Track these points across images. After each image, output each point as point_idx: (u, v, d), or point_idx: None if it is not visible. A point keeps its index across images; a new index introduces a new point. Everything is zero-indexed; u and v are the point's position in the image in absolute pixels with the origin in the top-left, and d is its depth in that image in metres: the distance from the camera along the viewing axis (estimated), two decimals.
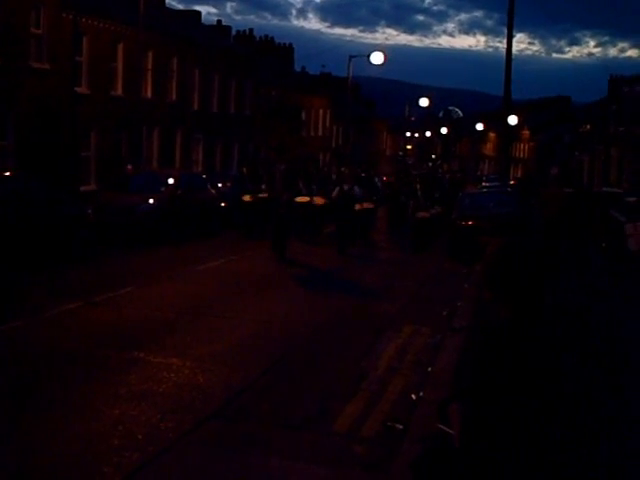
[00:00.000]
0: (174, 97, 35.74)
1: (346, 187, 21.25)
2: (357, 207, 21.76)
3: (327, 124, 61.09)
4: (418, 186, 22.20)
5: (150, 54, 32.72)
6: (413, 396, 7.53)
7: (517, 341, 3.33)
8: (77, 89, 25.98)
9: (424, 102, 78.97)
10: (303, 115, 54.45)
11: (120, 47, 30.62)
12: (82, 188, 25.68)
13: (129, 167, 26.33)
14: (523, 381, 3.26)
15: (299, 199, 22.25)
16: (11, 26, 23.59)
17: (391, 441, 6.58)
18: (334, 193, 21.63)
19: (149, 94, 33.25)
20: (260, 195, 22.28)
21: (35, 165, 23.39)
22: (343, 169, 32.48)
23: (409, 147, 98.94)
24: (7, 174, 19.27)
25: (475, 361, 3.46)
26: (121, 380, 8.28)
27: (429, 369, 8.55)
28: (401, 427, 6.73)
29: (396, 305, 13.32)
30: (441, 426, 3.53)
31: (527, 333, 3.35)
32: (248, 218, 22.80)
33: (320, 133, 59.47)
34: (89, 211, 18.99)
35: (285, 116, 19.79)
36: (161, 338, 10.27)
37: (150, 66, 33.10)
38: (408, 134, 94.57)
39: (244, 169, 25.29)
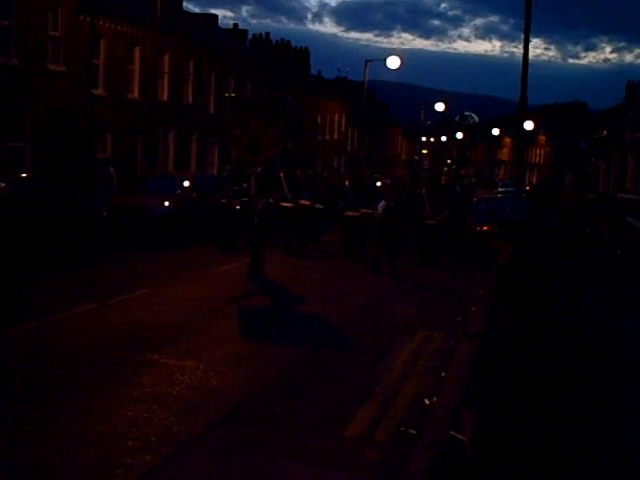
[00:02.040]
0: (190, 100, 35.84)
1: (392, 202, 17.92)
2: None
3: (342, 128, 61.11)
4: (424, 191, 20.26)
5: (167, 57, 32.83)
6: (426, 401, 7.52)
7: (526, 346, 3.31)
8: (94, 91, 26.07)
9: (440, 107, 78.95)
10: (319, 119, 54.56)
11: (137, 50, 30.75)
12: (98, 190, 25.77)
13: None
14: (532, 387, 3.24)
15: (284, 204, 20.82)
16: (29, 28, 23.72)
17: (404, 446, 6.57)
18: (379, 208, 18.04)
19: (165, 97, 33.36)
20: (243, 200, 19.59)
21: (51, 167, 23.51)
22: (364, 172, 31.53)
23: (424, 151, 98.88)
24: (24, 175, 19.40)
25: (485, 367, 3.45)
26: (134, 382, 8.30)
27: (443, 374, 8.53)
28: (414, 432, 6.71)
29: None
30: (453, 432, 3.52)
31: (537, 338, 3.34)
32: (223, 227, 20.39)
33: (335, 137, 59.49)
34: (104, 213, 19.08)
35: (259, 108, 16.05)
36: (175, 340, 10.28)
37: (166, 69, 33.22)
38: (423, 139, 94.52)
39: (225, 170, 23.63)
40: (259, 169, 16.43)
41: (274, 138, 15.66)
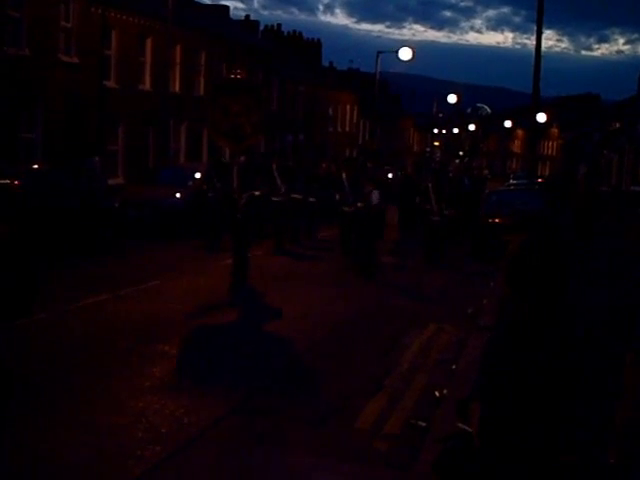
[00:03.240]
0: (202, 92, 35.81)
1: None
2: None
3: (354, 120, 61.01)
4: (430, 185, 18.86)
5: (178, 49, 32.80)
6: (437, 393, 7.51)
7: (532, 339, 3.30)
8: (105, 83, 26.11)
9: (452, 99, 78.61)
10: (330, 111, 54.51)
11: (148, 41, 30.73)
12: (109, 181, 25.82)
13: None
14: (537, 380, 3.23)
15: (274, 198, 19.45)
16: (40, 19, 23.76)
17: (414, 438, 6.57)
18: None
19: (177, 89, 33.36)
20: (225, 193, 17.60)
21: (63, 158, 23.56)
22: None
23: (437, 144, 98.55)
24: (35, 167, 19.43)
25: (491, 359, 3.44)
26: (145, 373, 8.32)
27: (453, 367, 8.52)
28: (424, 424, 6.71)
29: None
30: (461, 425, 3.52)
31: (543, 331, 3.33)
32: (209, 222, 18.94)
33: (347, 129, 59.41)
34: (116, 204, 19.11)
35: (240, 91, 14.47)
36: (186, 332, 10.31)
37: (178, 60, 33.20)
38: (435, 131, 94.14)
39: (213, 161, 21.76)
40: (242, 159, 15.24)
41: (256, 125, 14.40)
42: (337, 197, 19.54)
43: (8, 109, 22.62)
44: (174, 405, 7.33)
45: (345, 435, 6.78)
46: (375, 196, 16.76)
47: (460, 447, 3.51)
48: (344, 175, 18.31)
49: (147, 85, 31.05)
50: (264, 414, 7.27)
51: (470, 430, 3.41)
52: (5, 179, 15.64)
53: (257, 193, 17.59)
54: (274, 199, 19.55)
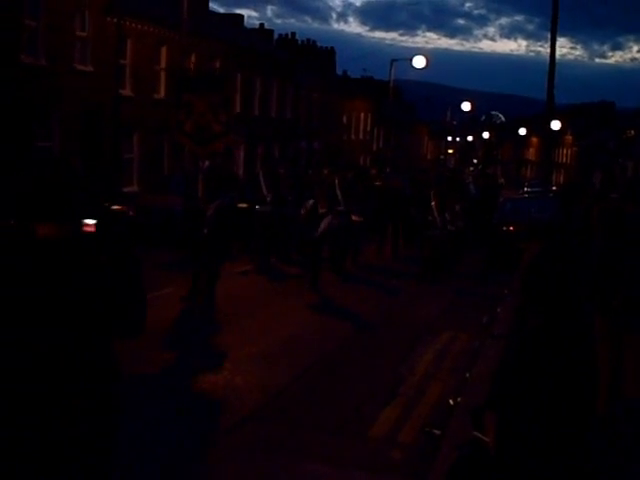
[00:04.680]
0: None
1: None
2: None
3: (368, 128, 61.08)
4: (432, 193, 16.85)
5: (193, 57, 32.94)
6: (451, 401, 7.50)
7: (547, 348, 3.30)
8: (121, 91, 26.27)
9: (466, 106, 78.59)
10: (343, 118, 54.58)
11: (163, 50, 30.89)
12: (124, 189, 25.94)
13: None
14: (551, 390, 3.23)
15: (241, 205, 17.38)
16: (56, 29, 23.92)
17: (429, 447, 6.56)
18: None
19: None
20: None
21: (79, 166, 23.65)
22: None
23: (450, 151, 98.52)
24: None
25: (506, 368, 3.44)
26: (160, 379, 8.35)
27: (467, 375, 8.51)
28: (439, 433, 6.70)
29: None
30: (476, 434, 3.52)
31: (557, 341, 3.32)
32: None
33: (361, 137, 59.48)
34: (131, 212, 19.18)
35: (204, 87, 12.98)
36: (200, 339, 10.34)
37: (192, 69, 33.33)
38: (450, 138, 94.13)
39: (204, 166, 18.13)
40: (207, 163, 13.38)
41: (225, 124, 12.88)
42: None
43: (24, 118, 22.77)
44: (188, 411, 7.35)
45: (360, 443, 6.78)
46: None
47: (475, 456, 3.52)
48: (336, 181, 16.14)
49: (162, 93, 31.19)
50: (279, 421, 7.29)
51: (485, 439, 3.41)
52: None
53: (227, 204, 14.77)
54: (258, 209, 17.37)
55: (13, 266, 2.99)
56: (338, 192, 15.63)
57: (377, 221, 20.28)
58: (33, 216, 3.05)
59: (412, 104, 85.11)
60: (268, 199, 17.22)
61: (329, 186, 16.17)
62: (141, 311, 3.29)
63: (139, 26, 28.86)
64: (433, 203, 16.46)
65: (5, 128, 21.66)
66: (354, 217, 15.87)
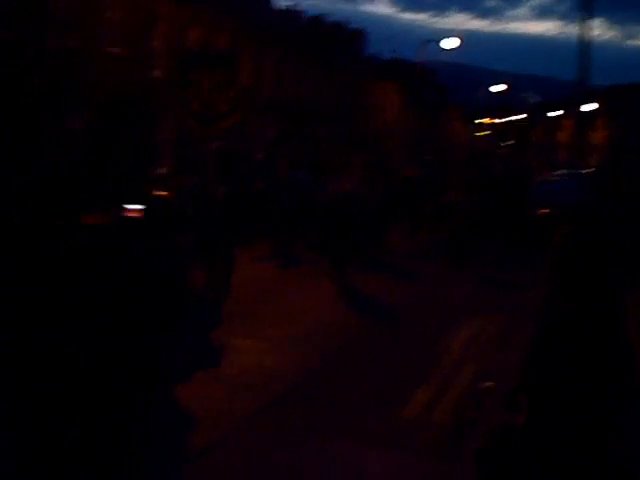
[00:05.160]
0: (247, 82, 35.89)
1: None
2: None
3: (398, 110, 60.72)
4: (456, 176, 16.36)
5: (222, 38, 32.91)
6: (485, 384, 7.43)
7: (574, 333, 3.24)
8: (152, 74, 26.29)
9: (498, 88, 77.87)
10: (373, 100, 54.29)
11: (193, 32, 30.88)
12: (156, 172, 26.01)
13: (218, 144, 24.38)
14: (579, 374, 3.17)
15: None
16: (87, 10, 23.97)
17: (461, 428, 6.51)
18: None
19: None
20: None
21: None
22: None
23: (482, 134, 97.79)
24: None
25: (536, 352, 3.39)
26: (194, 361, 8.37)
27: (502, 357, 8.45)
28: (471, 414, 6.65)
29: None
30: (507, 416, 3.49)
31: (585, 326, 3.26)
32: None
33: (390, 119, 59.16)
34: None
35: (211, 64, 12.32)
36: (236, 321, 10.35)
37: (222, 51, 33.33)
38: (481, 120, 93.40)
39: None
40: (216, 144, 12.92)
41: (233, 103, 12.30)
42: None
43: (54, 100, 22.89)
44: (222, 392, 7.37)
45: (392, 424, 6.75)
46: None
47: (505, 437, 3.48)
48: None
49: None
50: (310, 402, 7.28)
51: (516, 421, 3.37)
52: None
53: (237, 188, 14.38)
54: (275, 192, 16.89)
55: (62, 256, 2.95)
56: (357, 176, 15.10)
57: (396, 207, 19.70)
58: (77, 206, 3.02)
59: (443, 86, 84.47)
60: (285, 181, 16.79)
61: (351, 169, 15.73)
62: (184, 301, 3.23)
63: (170, 7, 28.83)
64: (457, 187, 16.21)
65: (34, 112, 21.80)
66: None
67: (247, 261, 14.38)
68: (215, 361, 8.42)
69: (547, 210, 18.96)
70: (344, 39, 53.44)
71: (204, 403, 7.03)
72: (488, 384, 7.37)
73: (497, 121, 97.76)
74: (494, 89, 78.73)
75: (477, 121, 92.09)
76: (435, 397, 7.49)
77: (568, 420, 3.16)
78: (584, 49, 26.42)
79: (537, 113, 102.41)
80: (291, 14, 48.36)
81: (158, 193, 16.49)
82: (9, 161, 18.32)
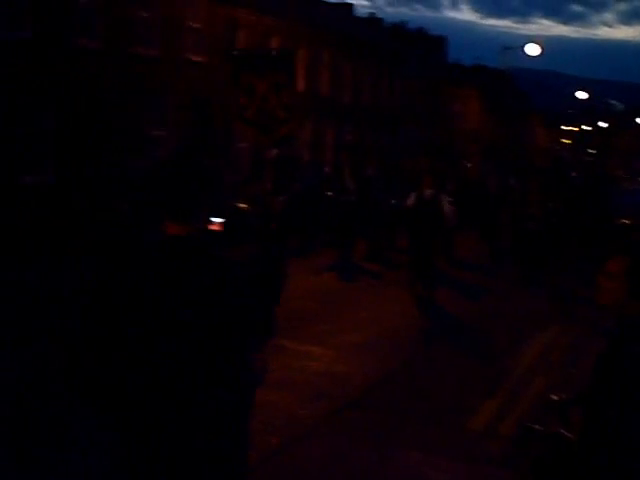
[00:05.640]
0: (325, 89, 36.09)
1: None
2: None
3: (479, 117, 60.16)
4: (532, 184, 15.28)
5: (303, 47, 33.16)
6: (554, 397, 7.33)
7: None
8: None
9: (582, 94, 76.48)
10: (454, 106, 53.95)
11: (273, 40, 31.20)
12: (233, 178, 26.37)
13: (275, 152, 24.46)
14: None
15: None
16: (169, 19, 24.49)
17: (527, 441, 6.43)
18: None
19: (301, 87, 33.73)
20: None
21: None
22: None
23: (565, 141, 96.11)
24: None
25: (599, 363, 3.35)
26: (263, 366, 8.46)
27: (572, 370, 8.32)
28: (538, 427, 6.56)
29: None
30: (561, 427, 3.47)
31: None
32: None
33: (472, 126, 58.65)
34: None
35: (267, 65, 11.15)
36: (304, 327, 10.43)
37: (303, 59, 33.56)
38: (564, 127, 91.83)
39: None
40: (274, 152, 12.15)
41: (290, 108, 11.55)
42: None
43: (137, 107, 23.42)
44: (291, 397, 7.44)
45: (458, 434, 6.73)
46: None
47: (558, 450, 3.45)
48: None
49: None
50: (377, 410, 7.30)
51: (568, 434, 3.35)
52: None
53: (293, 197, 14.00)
54: (342, 199, 16.35)
55: (149, 268, 2.97)
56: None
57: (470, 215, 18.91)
58: (164, 216, 3.03)
59: (525, 92, 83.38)
60: (351, 188, 16.25)
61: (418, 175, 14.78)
62: (273, 311, 3.22)
63: (249, 16, 29.22)
64: (532, 195, 15.17)
65: (116, 117, 22.34)
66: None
67: (313, 270, 14.49)
68: (284, 367, 8.50)
69: (629, 221, 18.55)
70: (425, 46, 53.28)
71: (274, 408, 7.11)
72: (555, 397, 7.28)
73: (581, 128, 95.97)
74: (578, 95, 77.35)
75: (560, 128, 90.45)
76: (503, 409, 7.43)
77: (617, 441, 3.11)
78: None
79: (622, 120, 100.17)
80: (372, 22, 48.46)
81: (239, 205, 16.43)
82: (95, 167, 18.87)
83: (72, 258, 13.85)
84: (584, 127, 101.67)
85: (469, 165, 25.93)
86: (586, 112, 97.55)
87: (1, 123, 19.11)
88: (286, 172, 12.99)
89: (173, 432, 2.90)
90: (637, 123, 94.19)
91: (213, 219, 13.39)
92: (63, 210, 17.78)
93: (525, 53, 47.00)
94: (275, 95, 11.21)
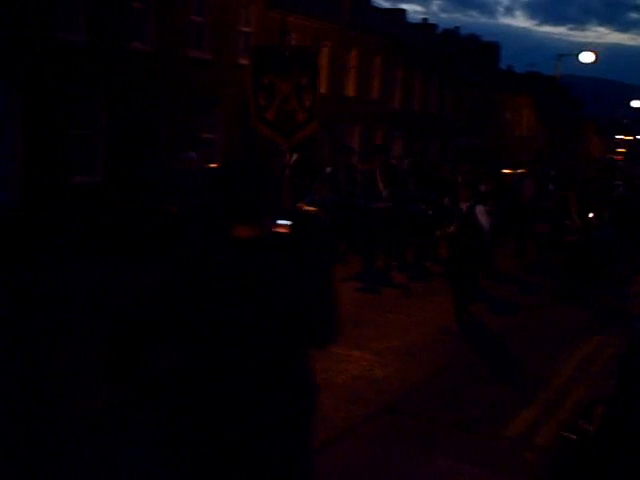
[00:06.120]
0: (376, 95, 36.10)
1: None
2: None
3: (531, 124, 59.66)
4: (571, 194, 14.38)
5: (354, 52, 33.22)
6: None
7: None
8: None
9: (637, 103, 75.39)
10: (506, 114, 53.50)
11: (324, 45, 31.32)
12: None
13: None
14: None
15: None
16: (221, 23, 24.74)
17: (564, 451, 6.38)
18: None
19: (352, 92, 33.78)
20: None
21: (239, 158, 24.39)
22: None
23: (620, 150, 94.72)
24: (213, 165, 20.23)
25: (623, 364, 3.35)
26: None
27: (613, 381, 8.21)
28: (575, 437, 6.50)
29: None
30: (583, 424, 3.47)
31: None
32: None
33: (524, 133, 58.18)
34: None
35: (289, 65, 10.71)
36: (344, 330, 10.42)
37: (354, 64, 33.63)
38: (619, 136, 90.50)
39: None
40: (294, 157, 11.83)
41: (311, 110, 11.01)
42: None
43: (189, 110, 23.70)
44: (328, 399, 7.46)
45: (492, 442, 6.69)
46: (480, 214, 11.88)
47: (579, 443, 3.46)
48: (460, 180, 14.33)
49: (323, 88, 31.60)
50: (414, 415, 7.29)
51: (590, 429, 3.36)
52: None
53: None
54: (374, 206, 15.73)
55: (217, 270, 2.95)
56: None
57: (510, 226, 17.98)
58: (232, 218, 3.02)
59: (579, 100, 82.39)
60: (384, 195, 15.73)
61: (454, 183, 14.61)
62: (335, 317, 3.20)
63: (301, 21, 29.38)
64: (573, 206, 14.23)
65: (167, 119, 22.62)
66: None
67: (350, 275, 14.46)
68: (323, 370, 8.53)
69: None
70: (478, 52, 53.00)
71: None
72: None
73: (636, 138, 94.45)
74: (634, 104, 76.24)
75: (615, 137, 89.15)
76: (540, 419, 7.36)
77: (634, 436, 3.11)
78: None
79: None
80: (425, 27, 48.37)
81: (307, 208, 16.27)
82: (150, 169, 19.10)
83: (122, 258, 14.08)
84: (639, 137, 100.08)
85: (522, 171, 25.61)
86: None
87: (55, 124, 19.49)
88: (307, 178, 12.57)
89: (237, 433, 2.89)
90: None
91: (279, 221, 13.40)
92: (112, 210, 18.06)
93: (580, 61, 46.56)
94: (296, 97, 10.84)
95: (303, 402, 3.11)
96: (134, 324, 2.93)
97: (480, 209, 12.01)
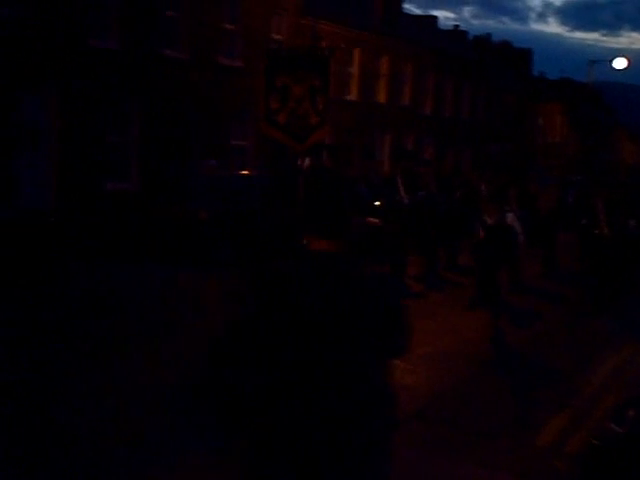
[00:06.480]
0: (407, 102, 36.09)
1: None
2: None
3: (563, 131, 59.29)
4: (597, 200, 13.89)
5: (385, 59, 33.25)
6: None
7: None
8: None
9: None
10: (541, 121, 53.16)
11: (356, 52, 31.37)
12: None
13: (306, 160, 23.01)
14: None
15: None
16: (253, 31, 24.89)
17: (594, 459, 6.37)
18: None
19: (383, 99, 33.81)
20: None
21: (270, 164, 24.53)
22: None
23: None
24: (245, 172, 20.35)
25: None
26: None
27: None
28: (597, 443, 6.49)
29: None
30: (613, 425, 3.49)
31: None
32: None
33: (556, 140, 57.83)
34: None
35: (303, 67, 10.64)
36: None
37: (385, 71, 33.66)
38: None
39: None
40: (307, 161, 11.51)
41: (323, 113, 10.85)
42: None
43: (221, 117, 23.87)
44: None
45: (522, 450, 6.68)
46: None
47: (609, 444, 3.48)
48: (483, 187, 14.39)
49: (354, 95, 31.67)
50: (443, 422, 7.30)
51: (619, 430, 3.38)
52: None
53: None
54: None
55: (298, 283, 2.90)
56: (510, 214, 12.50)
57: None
58: (311, 231, 2.97)
59: (612, 107, 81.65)
60: (405, 201, 15.72)
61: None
62: (409, 324, 3.19)
63: (333, 28, 29.46)
64: (600, 212, 13.85)
65: (199, 126, 22.79)
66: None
67: None
68: None
69: None
70: (510, 59, 52.79)
71: None
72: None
73: None
74: None
75: None
76: (570, 427, 7.34)
77: None
78: None
79: None
80: (456, 34, 48.28)
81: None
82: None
83: (154, 263, 14.22)
84: None
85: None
86: None
87: (89, 131, 19.73)
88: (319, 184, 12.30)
89: (323, 448, 2.87)
90: None
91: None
92: (145, 216, 18.25)
93: (613, 67, 46.25)
94: (310, 100, 10.57)
95: (384, 412, 3.08)
96: (229, 354, 2.91)
97: (511, 216, 11.99)
